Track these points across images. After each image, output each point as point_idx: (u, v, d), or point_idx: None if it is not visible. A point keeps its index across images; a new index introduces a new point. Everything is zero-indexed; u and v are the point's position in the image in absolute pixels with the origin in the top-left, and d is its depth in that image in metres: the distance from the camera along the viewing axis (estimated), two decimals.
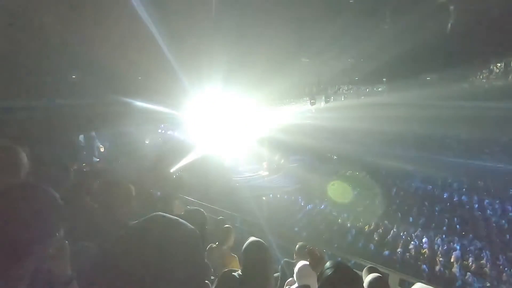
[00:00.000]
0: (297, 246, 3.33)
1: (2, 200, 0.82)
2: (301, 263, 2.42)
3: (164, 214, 0.75)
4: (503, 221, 12.33)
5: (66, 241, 0.97)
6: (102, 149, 11.90)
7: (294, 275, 2.39)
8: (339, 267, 1.56)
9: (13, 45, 6.64)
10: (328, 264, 1.60)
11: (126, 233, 0.71)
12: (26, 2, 5.93)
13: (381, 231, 11.16)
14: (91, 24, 6.66)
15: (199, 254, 0.73)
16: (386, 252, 9.41)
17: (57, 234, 0.92)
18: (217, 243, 3.35)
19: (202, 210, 3.08)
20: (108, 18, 6.54)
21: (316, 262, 2.49)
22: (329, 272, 1.54)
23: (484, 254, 9.44)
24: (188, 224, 0.74)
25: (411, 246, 9.80)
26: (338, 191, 14.39)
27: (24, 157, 1.51)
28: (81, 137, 11.40)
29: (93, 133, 11.78)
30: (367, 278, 2.17)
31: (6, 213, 0.80)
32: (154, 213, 0.75)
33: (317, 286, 2.12)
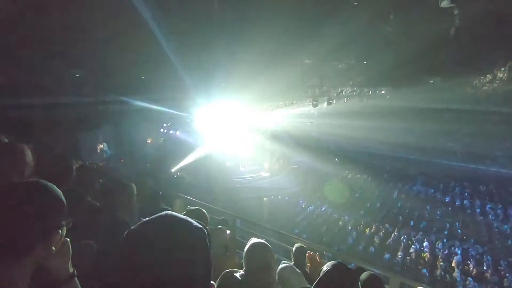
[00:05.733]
0: (294, 247, 3.31)
1: (6, 197, 0.83)
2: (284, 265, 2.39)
3: (173, 213, 0.76)
4: (505, 226, 12.26)
5: (68, 239, 0.98)
6: (102, 146, 11.90)
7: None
8: (335, 265, 1.61)
9: (16, 43, 6.68)
10: (326, 264, 1.65)
11: (135, 230, 0.71)
12: (28, 1, 5.97)
13: (382, 234, 11.12)
14: (95, 23, 6.70)
15: (207, 254, 0.73)
16: (387, 256, 9.38)
17: (60, 231, 0.92)
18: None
19: (203, 210, 3.07)
20: (111, 17, 6.58)
21: (316, 266, 2.51)
22: (326, 269, 1.58)
23: (486, 259, 9.38)
24: (197, 223, 0.75)
25: (412, 250, 9.75)
26: (339, 194, 14.35)
27: (29, 155, 1.52)
28: (104, 145, 11.53)
29: (96, 132, 11.82)
30: (362, 276, 2.19)
31: (10, 210, 0.81)
32: (164, 212, 0.75)
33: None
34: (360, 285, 2.09)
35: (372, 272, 2.30)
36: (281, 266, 2.38)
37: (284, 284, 2.16)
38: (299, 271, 2.36)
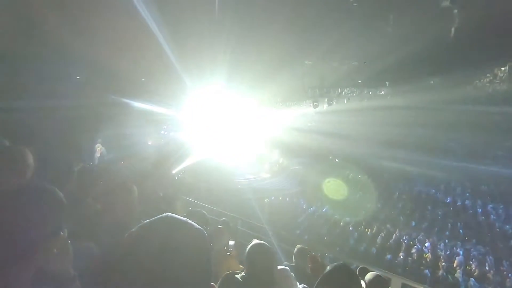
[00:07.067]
0: (296, 248, 3.32)
1: (9, 200, 0.83)
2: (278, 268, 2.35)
3: (174, 215, 0.76)
4: (507, 226, 12.22)
5: (69, 241, 0.98)
6: (100, 148, 11.81)
7: None
8: (338, 265, 1.66)
9: (18, 46, 6.70)
10: (330, 266, 1.68)
11: (135, 232, 0.72)
12: (30, 4, 6.00)
13: (383, 235, 11.08)
14: (96, 26, 6.72)
15: (208, 255, 0.73)
16: (388, 256, 9.34)
17: (61, 233, 0.92)
18: (210, 244, 3.34)
19: (204, 211, 3.08)
20: (112, 20, 6.60)
21: (317, 267, 2.52)
22: (328, 269, 1.63)
23: (488, 259, 9.34)
24: (197, 225, 0.75)
25: (413, 251, 9.71)
26: (340, 194, 14.32)
27: (30, 158, 1.52)
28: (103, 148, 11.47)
29: (96, 134, 11.82)
30: (367, 277, 2.21)
31: (13, 213, 0.81)
32: (164, 214, 0.75)
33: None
34: (365, 285, 2.10)
35: (377, 273, 2.32)
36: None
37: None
38: (292, 274, 2.36)
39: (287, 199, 15.03)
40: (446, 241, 10.74)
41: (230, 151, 15.17)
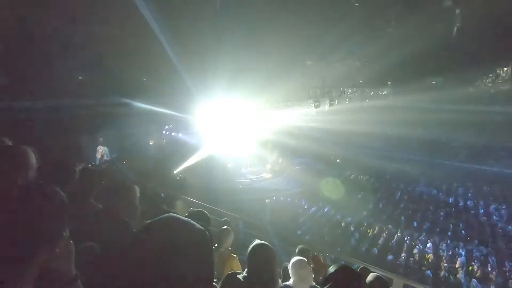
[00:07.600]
0: (297, 249, 3.35)
1: (11, 200, 0.83)
2: (296, 258, 2.47)
3: (176, 215, 0.76)
4: (509, 227, 12.17)
5: (71, 241, 0.98)
6: (101, 150, 11.77)
7: (289, 269, 2.40)
8: (342, 266, 1.69)
9: (20, 46, 6.74)
10: (332, 266, 1.69)
11: (138, 232, 0.72)
12: (31, 3, 6.02)
13: (385, 235, 11.06)
14: (98, 26, 6.75)
15: (210, 255, 0.73)
16: (390, 257, 9.32)
17: (63, 233, 0.92)
18: (216, 244, 3.36)
19: (205, 211, 3.07)
20: (114, 20, 6.62)
21: (319, 268, 2.55)
22: (332, 270, 1.65)
23: (490, 260, 9.31)
24: (199, 225, 0.75)
25: (415, 251, 9.69)
26: (341, 194, 14.31)
27: (32, 158, 1.53)
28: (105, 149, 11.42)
29: (98, 134, 11.84)
30: (367, 278, 2.23)
31: (15, 214, 0.81)
32: (166, 214, 0.75)
33: (312, 279, 2.28)
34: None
35: (378, 274, 2.33)
36: (295, 259, 2.44)
37: (297, 275, 2.23)
38: (309, 266, 2.44)
39: (289, 199, 15.03)
40: (448, 241, 10.70)
41: (232, 151, 15.18)
